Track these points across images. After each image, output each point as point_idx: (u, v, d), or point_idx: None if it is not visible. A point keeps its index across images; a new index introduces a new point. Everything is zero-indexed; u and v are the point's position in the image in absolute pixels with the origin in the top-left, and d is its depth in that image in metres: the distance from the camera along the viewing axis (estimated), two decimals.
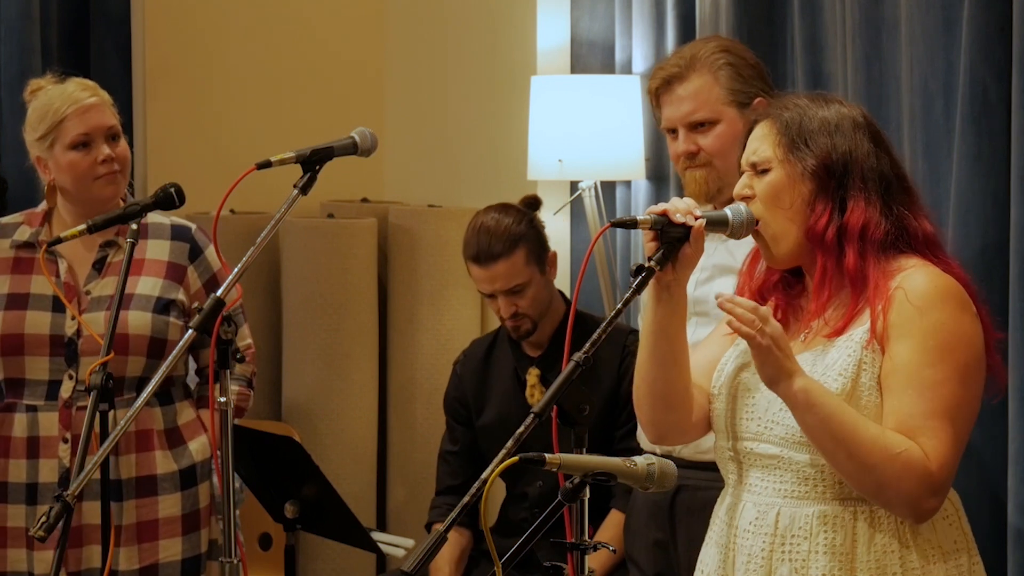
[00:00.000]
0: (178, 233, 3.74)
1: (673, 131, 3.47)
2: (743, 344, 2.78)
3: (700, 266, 3.46)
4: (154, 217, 3.70)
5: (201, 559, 3.73)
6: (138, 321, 3.62)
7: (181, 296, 3.69)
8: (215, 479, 3.77)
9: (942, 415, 2.58)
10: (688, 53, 3.45)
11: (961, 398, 2.60)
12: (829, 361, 2.66)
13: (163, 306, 3.65)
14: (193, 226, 3.78)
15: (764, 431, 2.69)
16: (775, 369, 2.56)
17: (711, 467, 2.93)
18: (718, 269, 3.45)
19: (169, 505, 3.67)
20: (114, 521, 3.58)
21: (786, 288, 2.81)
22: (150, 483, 3.65)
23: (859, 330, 2.65)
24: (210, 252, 3.74)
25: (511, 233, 4.21)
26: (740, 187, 2.73)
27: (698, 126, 3.42)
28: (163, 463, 3.66)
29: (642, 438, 3.56)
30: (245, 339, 3.80)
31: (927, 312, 2.60)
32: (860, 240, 2.65)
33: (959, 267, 2.72)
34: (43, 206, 3.75)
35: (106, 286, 3.66)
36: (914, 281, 2.63)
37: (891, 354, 2.61)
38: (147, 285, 3.66)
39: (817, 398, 2.55)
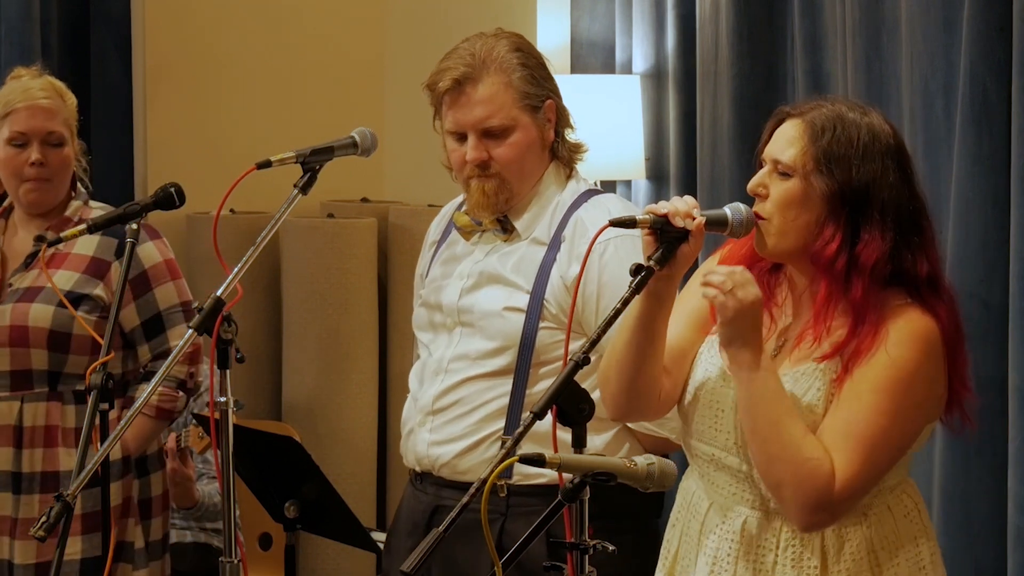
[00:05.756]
0: (110, 228, 3.70)
1: (459, 136, 3.25)
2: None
3: (466, 273, 3.31)
4: (98, 211, 3.71)
5: (104, 560, 3.68)
6: (39, 314, 3.65)
7: (99, 292, 3.70)
8: (157, 478, 3.82)
9: (864, 442, 2.57)
10: (480, 52, 3.24)
11: (888, 434, 2.59)
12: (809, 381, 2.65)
13: (73, 300, 3.65)
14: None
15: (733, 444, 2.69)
16: (737, 333, 2.56)
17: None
18: (485, 277, 3.28)
19: None
20: (12, 514, 3.65)
21: (766, 273, 2.75)
22: (53, 479, 3.66)
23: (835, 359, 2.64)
24: (145, 248, 3.72)
25: None
26: (755, 184, 2.66)
27: (491, 133, 3.21)
28: (66, 461, 3.67)
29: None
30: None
31: (895, 346, 2.58)
32: (870, 275, 2.60)
33: (948, 310, 2.65)
34: (8, 200, 3.80)
35: (25, 279, 3.71)
36: (897, 323, 2.60)
37: (853, 374, 2.60)
38: (61, 279, 3.69)
39: (760, 378, 2.56)
